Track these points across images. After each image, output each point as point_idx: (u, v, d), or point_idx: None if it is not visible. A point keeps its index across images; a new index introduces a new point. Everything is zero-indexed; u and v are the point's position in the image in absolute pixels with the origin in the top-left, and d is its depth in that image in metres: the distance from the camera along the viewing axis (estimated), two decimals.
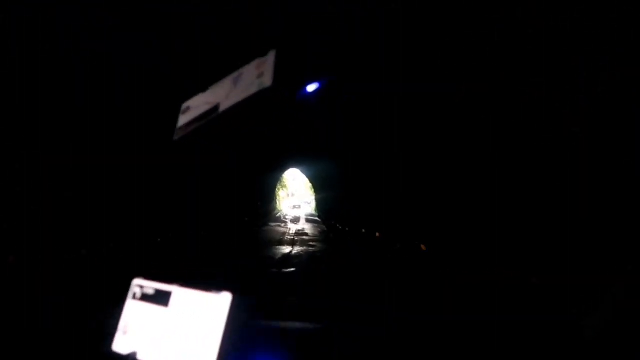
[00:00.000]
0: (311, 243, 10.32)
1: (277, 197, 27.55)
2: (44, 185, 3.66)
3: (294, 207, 31.94)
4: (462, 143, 4.06)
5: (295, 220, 20.03)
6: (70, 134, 3.93)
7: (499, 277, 3.26)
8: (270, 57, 0.65)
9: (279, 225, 16.05)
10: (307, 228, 15.37)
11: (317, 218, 21.13)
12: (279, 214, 24.82)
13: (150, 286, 0.72)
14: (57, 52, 3.36)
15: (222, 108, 0.69)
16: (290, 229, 14.51)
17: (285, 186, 32.29)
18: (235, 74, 0.71)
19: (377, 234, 7.74)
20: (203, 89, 0.77)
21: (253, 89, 0.63)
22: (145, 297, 0.72)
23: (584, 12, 2.25)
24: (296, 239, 11.44)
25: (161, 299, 0.71)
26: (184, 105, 0.81)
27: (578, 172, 2.56)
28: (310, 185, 24.00)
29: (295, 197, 35.66)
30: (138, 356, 0.70)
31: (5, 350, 1.02)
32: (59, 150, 3.79)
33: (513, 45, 2.82)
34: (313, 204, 27.14)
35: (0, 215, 3.27)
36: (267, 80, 0.61)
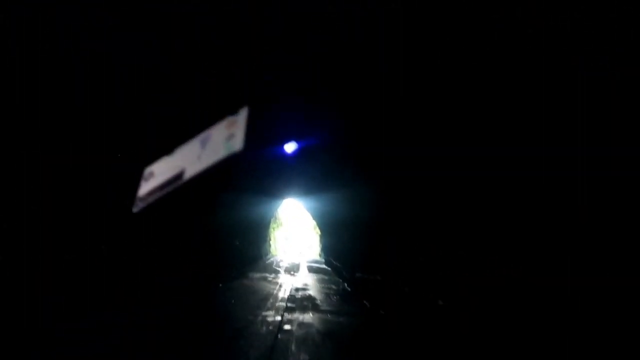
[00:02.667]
0: None
1: (271, 238, 20.54)
2: (44, 185, 3.66)
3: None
4: (464, 143, 4.06)
5: (293, 269, 13.42)
6: (70, 134, 3.93)
7: (500, 279, 3.26)
8: (242, 115, 0.57)
9: (265, 278, 10.14)
10: (311, 284, 9.44)
11: (324, 266, 14.97)
12: (272, 259, 18.12)
13: None
14: (57, 52, 3.36)
15: (187, 175, 0.60)
16: (281, 286, 8.75)
17: (280, 224, 23.65)
18: (203, 134, 0.62)
19: None
20: (168, 151, 0.67)
21: (221, 153, 0.55)
22: None
23: (584, 12, 2.25)
24: (287, 328, 4.57)
25: None
26: (147, 171, 0.71)
27: (578, 171, 2.56)
28: (313, 222, 18.43)
29: (290, 240, 25.47)
30: None
31: (6, 350, 1.02)
32: (59, 150, 3.79)
33: (513, 45, 2.82)
34: (315, 248, 21.34)
35: (0, 215, 3.27)
36: (237, 144, 0.53)
